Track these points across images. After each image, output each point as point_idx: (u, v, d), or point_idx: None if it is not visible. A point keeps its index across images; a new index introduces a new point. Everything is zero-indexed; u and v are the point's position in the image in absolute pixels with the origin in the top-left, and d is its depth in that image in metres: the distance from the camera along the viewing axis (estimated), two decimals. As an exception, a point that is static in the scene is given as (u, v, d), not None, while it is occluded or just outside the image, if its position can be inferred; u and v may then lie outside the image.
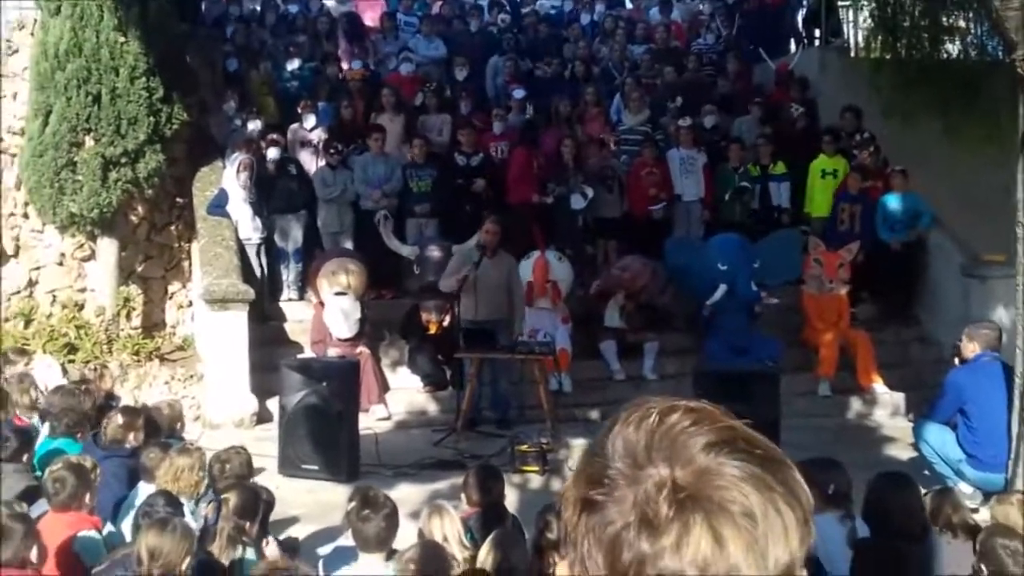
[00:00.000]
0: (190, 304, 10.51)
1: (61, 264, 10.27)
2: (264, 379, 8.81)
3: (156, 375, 9.35)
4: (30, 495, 4.87)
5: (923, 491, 4.94)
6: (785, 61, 13.38)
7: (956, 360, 7.19)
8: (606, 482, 0.91)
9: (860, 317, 10.31)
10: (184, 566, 3.71)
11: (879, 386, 9.57)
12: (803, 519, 0.89)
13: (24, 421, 6.23)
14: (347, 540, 4.66)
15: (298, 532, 5.88)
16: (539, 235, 9.76)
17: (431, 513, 4.44)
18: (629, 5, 16.06)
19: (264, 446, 7.46)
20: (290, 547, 4.87)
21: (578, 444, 7.88)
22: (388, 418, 8.94)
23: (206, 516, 4.47)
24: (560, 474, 7.43)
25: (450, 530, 4.32)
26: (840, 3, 14.10)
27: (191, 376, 9.41)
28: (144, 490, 5.13)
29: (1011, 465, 6.36)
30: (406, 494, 6.39)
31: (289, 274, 10.30)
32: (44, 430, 6.23)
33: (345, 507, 4.78)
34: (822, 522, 3.85)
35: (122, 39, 9.64)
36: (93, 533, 4.59)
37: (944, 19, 12.48)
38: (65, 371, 8.50)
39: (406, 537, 4.45)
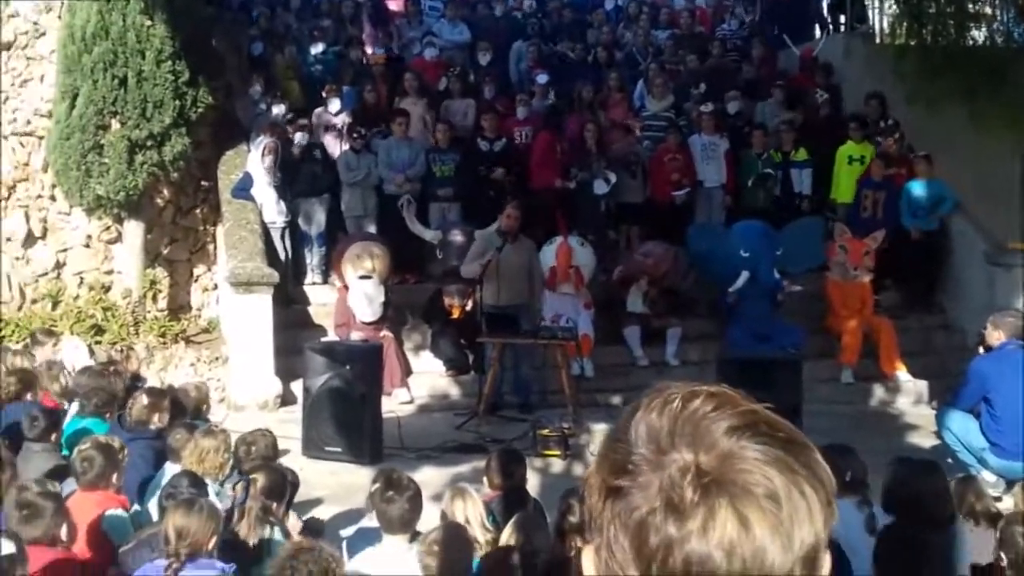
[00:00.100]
0: (215, 287, 10.60)
1: (88, 246, 10.38)
2: (288, 362, 8.88)
3: (182, 357, 9.44)
4: (58, 474, 4.95)
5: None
6: (810, 47, 13.27)
7: (980, 348, 7.15)
8: (630, 468, 0.92)
9: (883, 304, 10.25)
10: (210, 545, 3.77)
11: (902, 374, 9.53)
12: (827, 501, 0.91)
13: (53, 401, 6.32)
14: (370, 522, 4.71)
15: (321, 513, 5.94)
16: (562, 220, 9.76)
17: (454, 496, 4.47)
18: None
19: (288, 428, 7.54)
20: (315, 528, 4.93)
21: (599, 429, 7.91)
22: (410, 402, 8.99)
23: (234, 495, 4.53)
24: (582, 459, 7.46)
25: (472, 513, 4.35)
26: (865, -11, 13.96)
27: (216, 358, 9.50)
28: (171, 470, 5.20)
29: (1035, 454, 6.32)
30: (428, 477, 6.44)
31: (313, 257, 10.36)
32: (72, 410, 6.33)
33: (368, 489, 4.83)
34: (840, 508, 3.85)
35: (148, 22, 9.69)
36: (121, 512, 4.67)
37: (970, 5, 12.33)
38: (92, 352, 8.62)
39: (429, 520, 4.49)
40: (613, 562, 0.91)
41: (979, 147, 10.75)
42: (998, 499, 5.95)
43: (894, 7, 13.41)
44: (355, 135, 10.53)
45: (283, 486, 4.64)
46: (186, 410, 6.37)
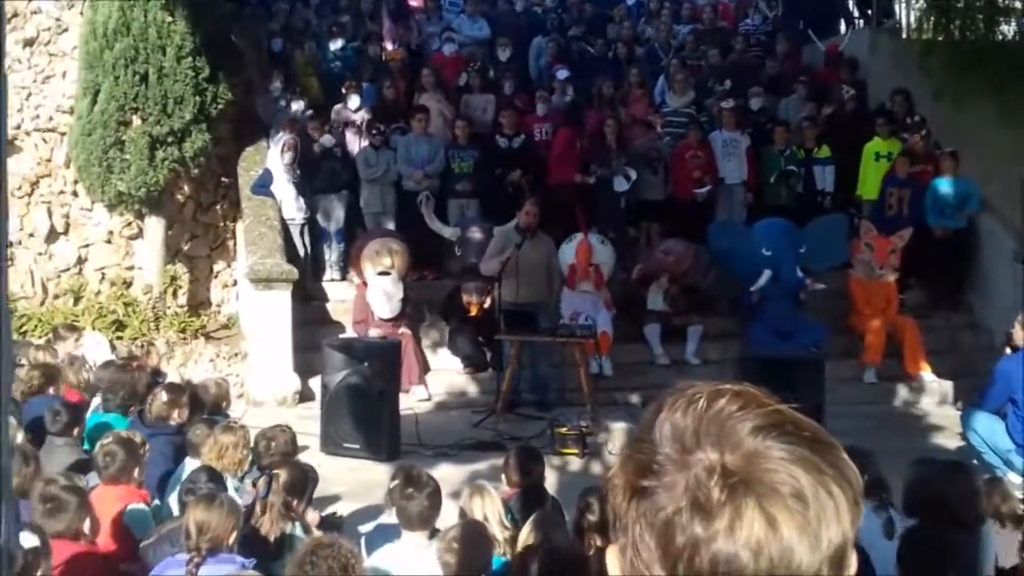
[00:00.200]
0: (235, 283, 10.64)
1: (109, 242, 10.44)
2: (307, 358, 8.89)
3: (201, 353, 9.48)
4: (80, 469, 4.97)
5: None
6: (835, 42, 13.15)
7: (1007, 348, 7.06)
8: (655, 468, 0.92)
9: (909, 303, 10.15)
10: (231, 540, 3.77)
11: (927, 374, 9.42)
12: (854, 500, 0.90)
13: (75, 396, 6.35)
14: (388, 518, 4.70)
15: (339, 509, 5.94)
16: (582, 218, 9.72)
17: (472, 493, 4.46)
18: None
19: (306, 424, 7.54)
20: (333, 524, 4.92)
21: (618, 428, 7.85)
22: (428, 399, 8.98)
23: (256, 491, 4.53)
24: (599, 457, 7.42)
25: (491, 510, 4.33)
26: (892, -17, 13.82)
27: (235, 354, 9.53)
28: (191, 465, 5.21)
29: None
30: (446, 474, 6.42)
31: (331, 254, 10.37)
32: (93, 404, 6.35)
33: (386, 486, 4.82)
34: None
35: (169, 19, 9.73)
36: (142, 506, 4.68)
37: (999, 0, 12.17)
38: (113, 348, 8.66)
39: (447, 517, 4.47)
40: (639, 561, 0.91)
41: (1007, 144, 10.61)
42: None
43: (921, 1, 13.26)
44: (374, 131, 10.53)
45: (304, 482, 4.64)
46: (205, 406, 6.38)
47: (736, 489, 0.87)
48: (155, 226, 10.12)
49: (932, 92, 11.16)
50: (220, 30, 10.40)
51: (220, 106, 10.06)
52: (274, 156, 9.99)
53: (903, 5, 13.73)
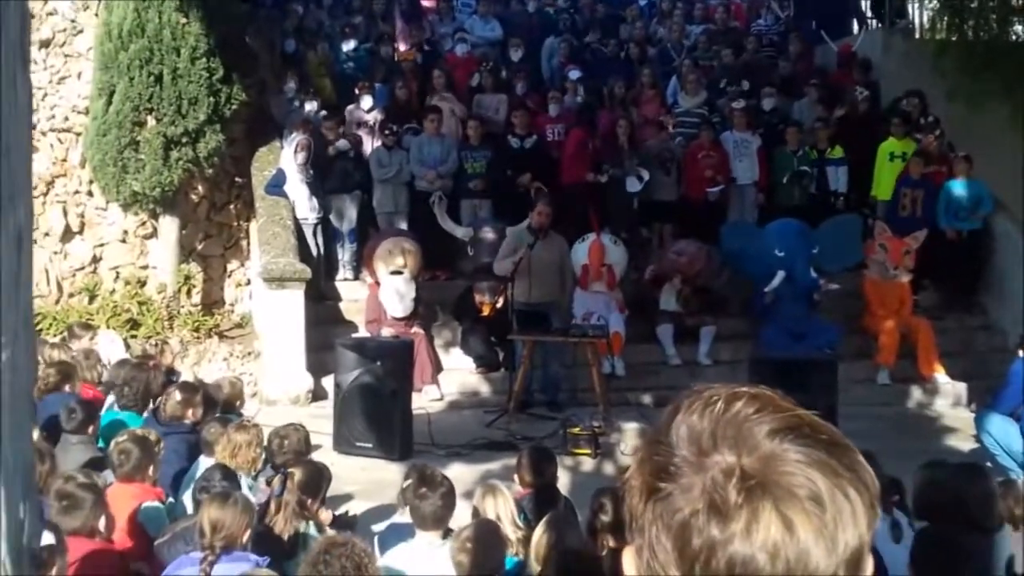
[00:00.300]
0: (248, 282, 10.68)
1: (124, 241, 10.50)
2: (319, 357, 8.92)
3: (215, 352, 9.52)
4: (94, 467, 4.99)
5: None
6: (848, 42, 13.11)
7: (1021, 350, 7.03)
8: (671, 470, 0.92)
9: (922, 304, 10.11)
10: (245, 539, 3.79)
11: (940, 375, 9.38)
12: (870, 503, 0.90)
13: (91, 393, 6.38)
14: (401, 517, 4.71)
15: (352, 508, 5.95)
16: (595, 218, 9.71)
17: (485, 492, 4.46)
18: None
19: (319, 423, 7.56)
20: (347, 523, 4.94)
21: (630, 428, 7.86)
22: (440, 398, 9.00)
23: (272, 488, 4.55)
24: (612, 457, 7.42)
25: (503, 510, 4.34)
26: (905, -17, 13.76)
27: (249, 353, 9.57)
28: (205, 463, 5.24)
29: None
30: (458, 474, 6.41)
31: (344, 254, 10.40)
32: (108, 402, 6.39)
33: (399, 485, 4.84)
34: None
35: (183, 20, 9.78)
36: (157, 504, 4.71)
37: (1013, 0, 12.11)
38: (128, 346, 8.71)
39: (459, 516, 4.48)
40: (655, 563, 0.91)
41: (1021, 144, 10.56)
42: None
43: (934, 2, 13.20)
44: (387, 132, 10.55)
45: (319, 481, 4.66)
46: (219, 404, 6.41)
47: (753, 491, 0.87)
48: (169, 226, 10.17)
49: (945, 93, 11.12)
50: (234, 31, 10.44)
51: (234, 107, 10.11)
52: (287, 156, 10.03)
53: (916, 5, 13.68)
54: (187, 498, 5.06)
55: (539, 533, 3.83)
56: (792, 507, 0.87)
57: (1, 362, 1.72)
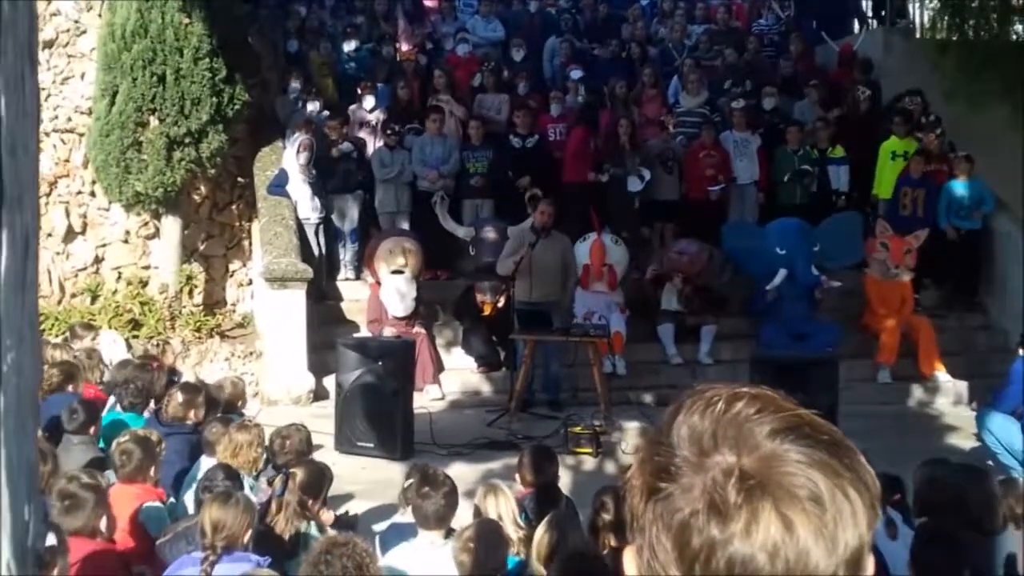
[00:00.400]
0: (250, 282, 10.70)
1: (126, 241, 10.52)
2: (321, 357, 8.94)
3: (217, 352, 9.54)
4: (96, 467, 5.01)
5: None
6: (849, 42, 13.11)
7: (1020, 350, 7.04)
8: (672, 470, 0.92)
9: (923, 303, 10.12)
10: (246, 539, 3.80)
11: (941, 374, 9.40)
12: (871, 503, 0.91)
13: (93, 393, 6.40)
14: (402, 517, 4.73)
15: (353, 508, 5.96)
16: (596, 218, 9.73)
17: (486, 492, 4.47)
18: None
19: (320, 423, 7.57)
20: (348, 524, 4.95)
21: (631, 427, 7.87)
22: (442, 398, 9.01)
23: (273, 488, 4.56)
24: (613, 457, 7.43)
25: (505, 509, 4.35)
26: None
27: (250, 353, 9.59)
28: (206, 464, 5.25)
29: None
30: (460, 473, 6.42)
31: (346, 254, 10.41)
32: (109, 402, 6.40)
33: (400, 484, 4.85)
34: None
35: (186, 20, 9.79)
36: (158, 504, 4.72)
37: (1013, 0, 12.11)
38: (130, 346, 8.73)
39: (461, 516, 4.49)
40: (655, 563, 0.92)
41: (1021, 143, 10.56)
42: (1039, 502, 5.84)
43: (935, 1, 13.20)
44: (389, 131, 10.57)
45: (321, 482, 4.67)
46: (220, 404, 6.43)
47: (753, 492, 0.88)
48: (171, 226, 10.19)
49: (945, 92, 11.12)
50: (237, 32, 10.45)
51: (236, 107, 10.12)
52: (290, 156, 10.05)
53: (917, 5, 13.69)
54: (188, 498, 5.08)
55: (540, 533, 3.84)
56: (792, 507, 0.87)
57: (7, 364, 1.73)
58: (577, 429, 7.51)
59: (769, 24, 13.87)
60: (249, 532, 3.83)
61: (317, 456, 6.18)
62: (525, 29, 13.23)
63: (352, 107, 11.28)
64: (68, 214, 10.40)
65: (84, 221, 10.49)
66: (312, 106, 10.94)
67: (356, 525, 5.19)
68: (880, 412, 8.64)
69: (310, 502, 4.54)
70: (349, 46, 12.33)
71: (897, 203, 10.44)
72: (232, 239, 10.86)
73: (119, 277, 10.41)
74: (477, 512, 4.42)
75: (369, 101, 11.19)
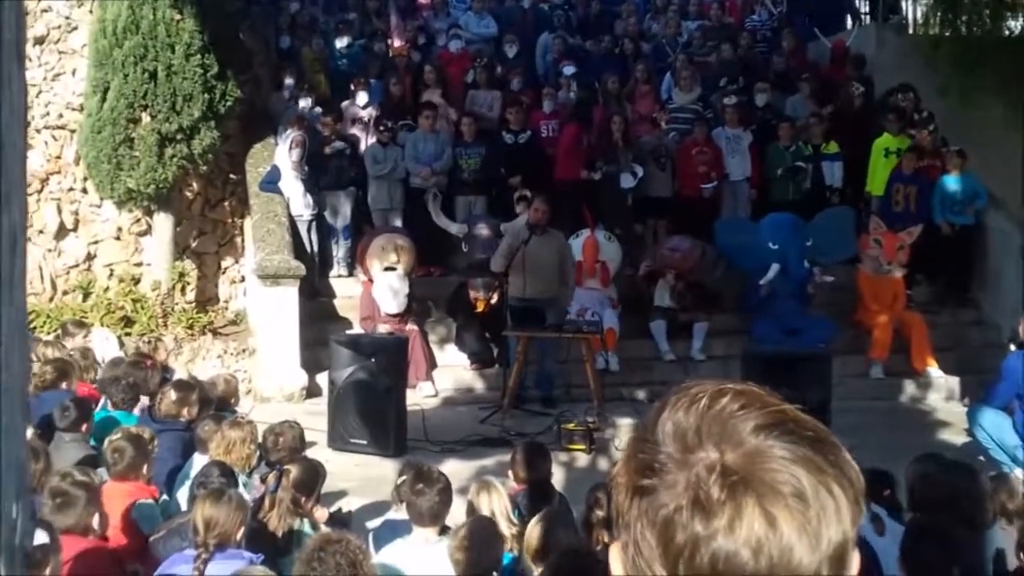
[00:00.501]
0: (243, 279, 10.67)
1: (118, 238, 10.48)
2: (314, 354, 8.93)
3: (209, 349, 9.52)
4: (88, 465, 4.99)
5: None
6: (842, 38, 13.12)
7: (1012, 345, 7.06)
8: (656, 467, 0.92)
9: (916, 299, 10.15)
10: (238, 536, 3.79)
11: (934, 370, 9.42)
12: (855, 499, 0.91)
13: (88, 390, 6.38)
14: (395, 514, 4.72)
15: (347, 505, 5.96)
16: (589, 215, 9.72)
17: (480, 489, 4.47)
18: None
19: (313, 420, 7.57)
20: (342, 520, 4.94)
21: (624, 423, 7.88)
22: (435, 395, 9.01)
23: (266, 486, 4.55)
24: (606, 453, 7.44)
25: (498, 506, 4.35)
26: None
27: (243, 350, 9.57)
28: (199, 461, 5.24)
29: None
30: (453, 470, 6.41)
31: (339, 250, 10.40)
32: (102, 400, 6.39)
33: (393, 481, 4.84)
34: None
35: (178, 16, 9.76)
36: (151, 502, 4.71)
37: (1006, -5, 12.14)
38: (122, 344, 8.71)
39: (454, 513, 4.49)
40: (640, 559, 0.92)
41: (1015, 140, 10.59)
42: (1031, 497, 5.86)
43: (927, -3, 13.23)
44: (382, 128, 10.55)
45: (315, 481, 4.66)
46: (213, 402, 6.42)
47: (736, 488, 0.88)
48: (163, 223, 10.16)
49: (938, 88, 11.14)
50: (228, 28, 10.41)
51: (228, 103, 10.09)
52: (282, 153, 10.02)
53: (910, 1, 13.69)
54: (181, 496, 5.07)
55: (532, 527, 3.85)
56: (775, 503, 0.87)
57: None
58: (570, 425, 7.52)
59: (762, 20, 13.88)
60: (242, 530, 3.82)
61: (310, 453, 6.17)
62: (518, 25, 13.21)
63: (345, 103, 11.25)
64: (60, 211, 10.36)
65: (76, 218, 10.45)
66: (304, 102, 10.92)
67: (350, 522, 5.19)
68: (872, 408, 8.67)
69: (303, 499, 4.54)
70: (341, 42, 12.30)
71: (890, 199, 10.46)
72: (224, 236, 10.83)
73: (111, 274, 10.38)
74: (471, 509, 4.42)
75: (362, 97, 11.17)
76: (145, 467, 4.77)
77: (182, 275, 10.35)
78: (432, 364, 9.20)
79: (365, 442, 7.45)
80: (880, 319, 9.51)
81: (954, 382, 9.33)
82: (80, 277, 10.28)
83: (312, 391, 8.93)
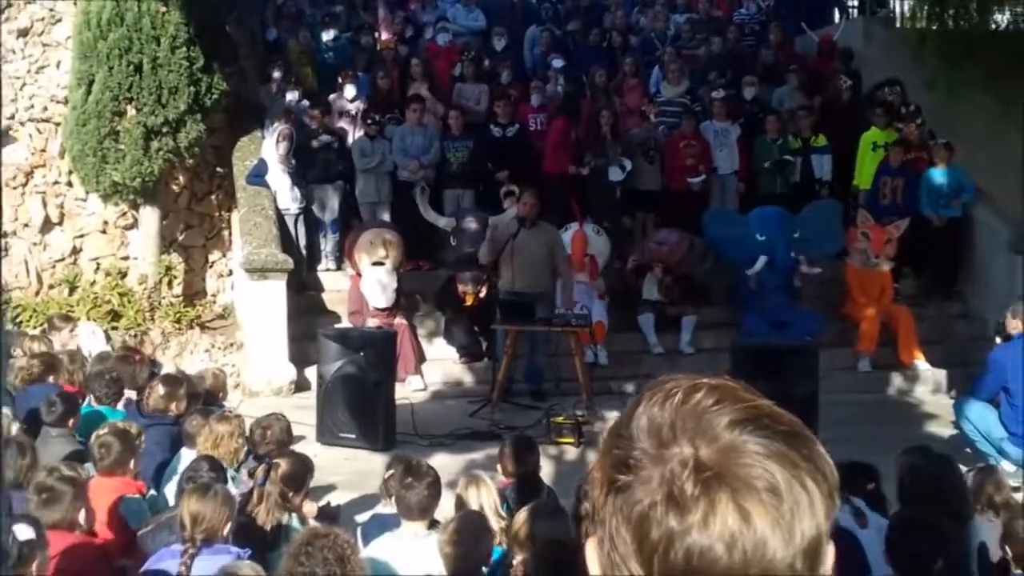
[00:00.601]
0: (230, 273, 10.63)
1: (104, 232, 10.42)
2: (302, 348, 8.90)
3: (197, 343, 9.48)
4: (75, 460, 4.97)
5: (965, 469, 4.89)
6: (829, 32, 13.15)
7: (997, 338, 7.10)
8: (631, 463, 0.92)
9: (903, 292, 10.19)
10: (225, 531, 3.78)
11: (921, 362, 9.47)
12: (828, 493, 0.91)
13: (73, 387, 6.35)
14: (384, 508, 4.72)
15: (335, 499, 5.95)
16: (577, 208, 9.72)
17: (468, 482, 4.47)
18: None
19: (302, 414, 7.55)
20: (330, 515, 4.94)
21: (613, 416, 7.86)
22: (424, 388, 9.00)
23: (254, 479, 4.54)
24: (595, 446, 7.43)
25: (487, 500, 4.35)
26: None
27: (231, 344, 9.53)
28: (186, 456, 5.22)
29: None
30: (441, 464, 6.40)
31: (327, 244, 10.37)
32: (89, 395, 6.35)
33: (382, 475, 4.84)
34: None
35: (163, 9, 9.69)
36: (138, 497, 4.69)
37: (993, -11, 12.17)
38: (109, 338, 8.66)
39: (443, 506, 4.49)
40: (616, 555, 0.92)
41: (1002, 133, 10.64)
42: (1017, 490, 5.90)
43: (915, -10, 13.26)
44: (369, 121, 10.51)
45: (304, 476, 4.65)
46: (201, 396, 6.39)
47: (710, 483, 0.88)
48: (150, 216, 10.10)
49: (925, 82, 11.17)
50: (214, 20, 10.35)
51: (215, 96, 10.03)
52: (269, 146, 9.98)
53: (897, -6, 13.73)
54: (169, 490, 5.05)
55: (519, 519, 3.84)
56: (749, 498, 0.87)
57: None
58: (559, 419, 7.52)
59: (750, 13, 13.89)
60: (229, 525, 3.81)
61: (299, 447, 6.17)
62: (507, 18, 13.17)
63: (332, 96, 11.21)
64: (45, 205, 10.29)
65: (61, 212, 10.38)
66: (291, 95, 10.87)
67: (338, 517, 5.18)
68: (860, 400, 8.71)
69: (291, 494, 4.52)
70: (328, 35, 12.25)
71: (877, 192, 10.49)
72: (212, 229, 10.78)
73: (97, 268, 10.31)
74: (459, 503, 4.41)
75: (350, 91, 11.13)
76: (132, 462, 4.75)
77: (169, 269, 10.30)
78: (421, 358, 9.19)
79: (354, 436, 7.44)
80: (868, 312, 9.55)
81: (941, 375, 9.38)
82: (66, 271, 10.22)
83: (300, 385, 8.90)
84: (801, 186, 10.86)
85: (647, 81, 12.26)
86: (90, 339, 8.11)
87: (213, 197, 10.76)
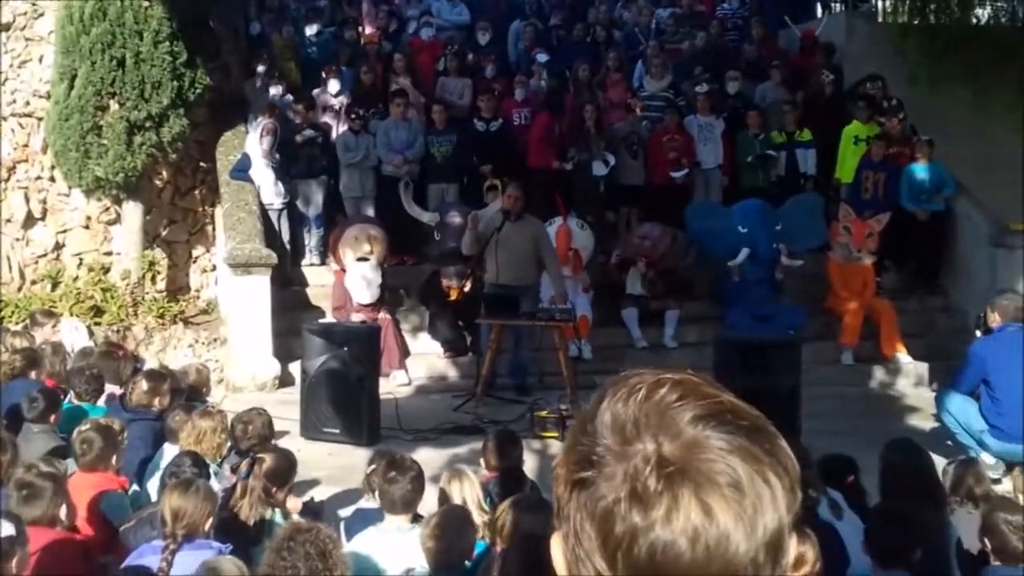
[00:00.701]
0: (214, 268, 10.60)
1: (87, 227, 10.37)
2: (286, 343, 8.89)
3: (180, 338, 9.45)
4: (57, 456, 4.95)
5: (946, 461, 4.94)
6: (812, 26, 13.19)
7: (978, 331, 7.15)
8: (595, 459, 0.93)
9: (885, 286, 10.25)
10: (207, 526, 3.78)
11: (903, 356, 9.53)
12: (790, 487, 0.92)
13: (54, 383, 6.32)
14: (367, 503, 4.72)
15: (319, 494, 5.95)
16: (561, 202, 9.73)
17: (451, 477, 4.48)
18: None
19: (286, 409, 7.54)
20: (313, 510, 4.94)
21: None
22: (408, 383, 9.00)
23: (237, 474, 4.53)
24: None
25: (469, 494, 4.36)
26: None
27: (215, 339, 9.51)
28: (169, 451, 5.21)
29: (1033, 436, 6.32)
30: (425, 458, 6.41)
31: (311, 239, 10.35)
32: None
33: (365, 470, 4.84)
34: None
35: (146, 3, 9.64)
36: (119, 492, 4.68)
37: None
38: (91, 334, 8.62)
39: (427, 501, 4.49)
40: (580, 550, 0.93)
41: (982, 128, 10.72)
42: (997, 482, 5.97)
43: (897, -15, 13.31)
44: (353, 116, 10.49)
45: (288, 472, 4.65)
46: (185, 392, 6.38)
47: (673, 478, 0.89)
48: (133, 211, 10.06)
49: (907, 76, 11.23)
50: (197, 14, 10.29)
51: (198, 91, 9.99)
52: (253, 141, 9.95)
53: (879, -11, 13.79)
54: (152, 486, 5.04)
55: (501, 515, 3.86)
56: (712, 493, 0.88)
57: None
58: (543, 413, 7.54)
59: (733, 8, 13.91)
60: (210, 520, 3.81)
61: (283, 442, 6.16)
62: (491, 12, 13.15)
63: (316, 91, 11.18)
64: (27, 200, 10.23)
65: (44, 207, 10.32)
66: (275, 90, 10.83)
67: (322, 512, 5.18)
68: (843, 393, 8.76)
69: (275, 489, 4.52)
70: (311, 30, 12.21)
71: (859, 186, 10.54)
72: (195, 224, 10.74)
73: (80, 263, 10.26)
74: (443, 497, 4.42)
75: (334, 85, 11.09)
76: (114, 458, 4.73)
77: (152, 264, 10.26)
78: (405, 352, 9.19)
79: (338, 431, 7.43)
80: (850, 306, 9.60)
81: (923, 368, 9.44)
82: (49, 266, 10.17)
83: (284, 380, 8.89)
84: (785, 180, 10.90)
85: (631, 76, 12.27)
86: (73, 335, 8.07)
87: (196, 192, 10.72)
